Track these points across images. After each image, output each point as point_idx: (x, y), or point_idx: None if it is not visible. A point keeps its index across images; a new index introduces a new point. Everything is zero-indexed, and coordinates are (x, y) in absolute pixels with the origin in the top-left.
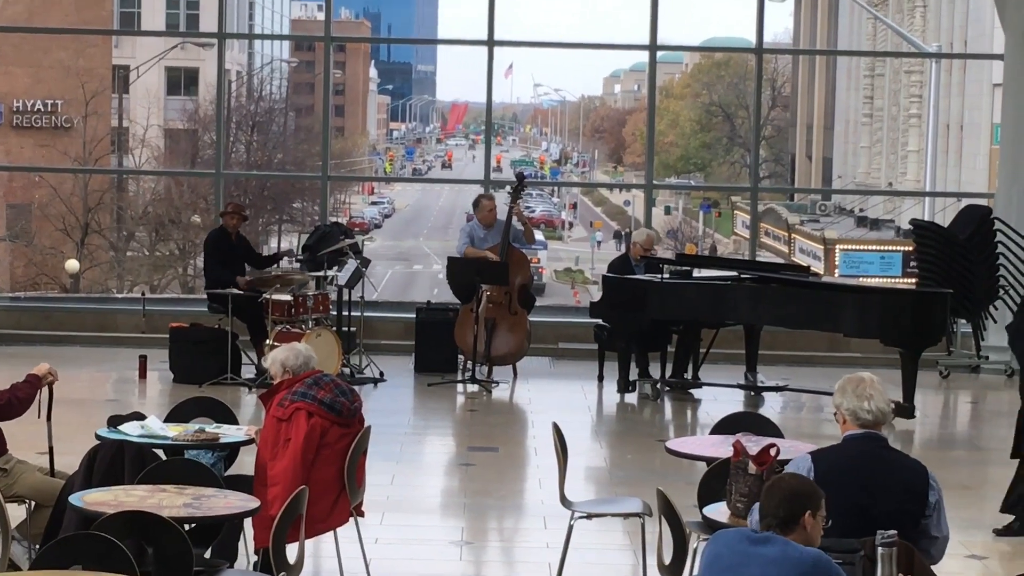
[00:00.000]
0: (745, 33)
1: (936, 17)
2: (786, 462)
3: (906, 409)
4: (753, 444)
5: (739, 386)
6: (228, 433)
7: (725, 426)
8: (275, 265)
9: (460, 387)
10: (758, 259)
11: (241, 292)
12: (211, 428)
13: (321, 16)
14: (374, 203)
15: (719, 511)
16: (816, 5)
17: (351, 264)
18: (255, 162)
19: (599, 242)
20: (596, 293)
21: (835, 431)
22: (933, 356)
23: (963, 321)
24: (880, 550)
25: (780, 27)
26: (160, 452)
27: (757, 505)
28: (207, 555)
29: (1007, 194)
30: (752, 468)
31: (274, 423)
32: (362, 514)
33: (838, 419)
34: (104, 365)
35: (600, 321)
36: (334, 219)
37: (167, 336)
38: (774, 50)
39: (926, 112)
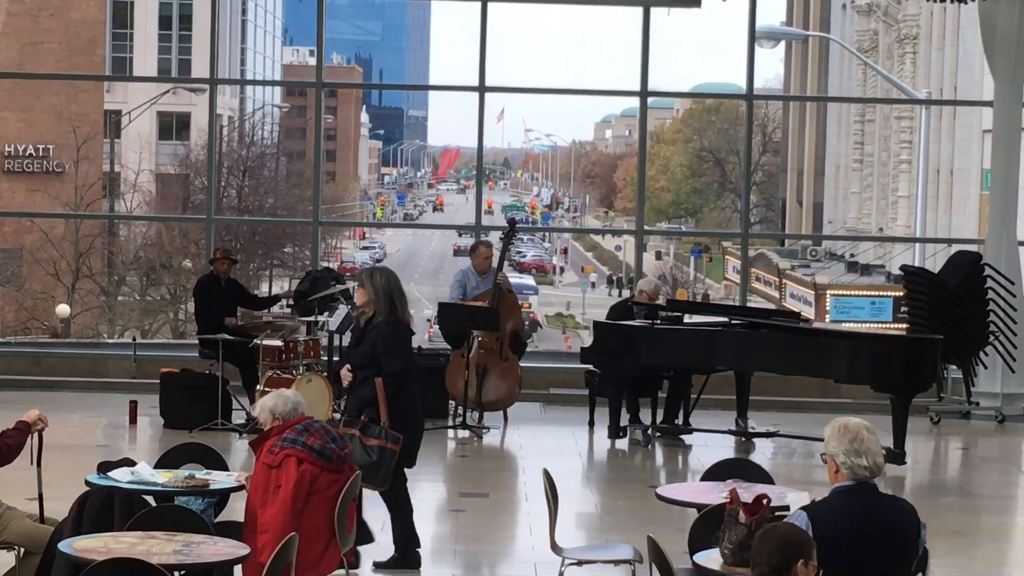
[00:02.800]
0: (736, 79)
1: (926, 64)
2: (776, 510)
3: (897, 455)
4: (745, 491)
5: (730, 432)
6: (218, 480)
7: (716, 472)
8: (274, 305)
9: (451, 433)
10: (749, 305)
11: (231, 335)
12: (201, 474)
13: (313, 61)
14: (365, 248)
15: (710, 558)
16: (806, 51)
17: (342, 309)
18: (246, 207)
19: (593, 284)
20: (588, 339)
21: (823, 477)
22: (924, 402)
23: (954, 367)
24: None
25: (771, 73)
26: (150, 499)
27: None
28: None
29: (997, 240)
30: (742, 516)
31: (264, 470)
32: (354, 562)
33: (828, 465)
34: (94, 411)
35: (591, 367)
36: (325, 264)
37: (158, 382)
38: (765, 96)
39: (916, 158)
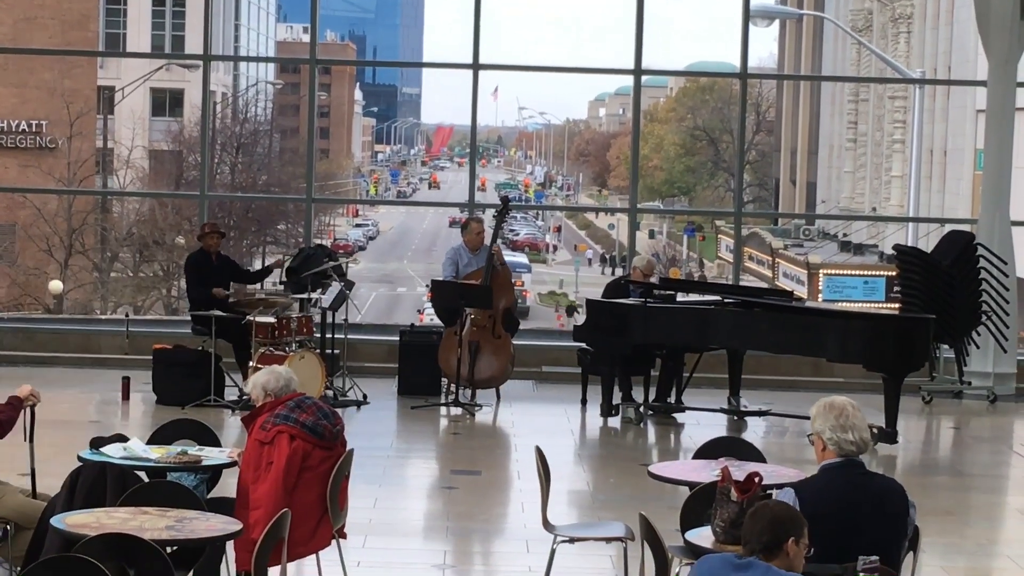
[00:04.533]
0: (730, 58)
1: (920, 43)
2: (768, 488)
3: (889, 434)
4: (736, 469)
5: (722, 410)
6: (211, 455)
7: (708, 451)
8: (267, 276)
9: (443, 410)
10: (742, 283)
11: (223, 311)
12: (194, 450)
13: (307, 38)
14: (358, 225)
15: (701, 536)
16: (800, 31)
17: (335, 286)
18: (240, 184)
19: (589, 260)
20: (581, 317)
21: (814, 455)
22: (916, 381)
23: (946, 347)
24: (862, 575)
25: (765, 52)
26: (142, 474)
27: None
28: None
29: (990, 220)
30: (734, 495)
31: (256, 446)
32: (344, 537)
33: (815, 444)
34: (87, 387)
35: (584, 345)
36: (318, 241)
37: (150, 358)
38: (758, 75)
39: (910, 138)
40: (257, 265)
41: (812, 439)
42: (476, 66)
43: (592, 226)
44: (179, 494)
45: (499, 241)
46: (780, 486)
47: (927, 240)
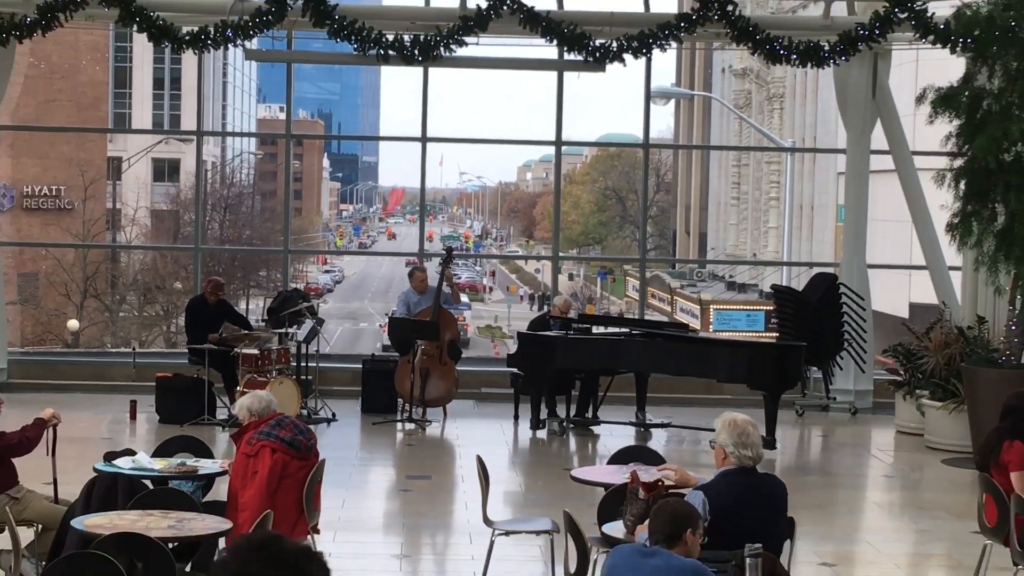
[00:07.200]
0: (634, 130)
1: (791, 118)
2: (670, 488)
3: (768, 442)
4: (643, 473)
5: (631, 423)
6: (205, 466)
7: (620, 457)
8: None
9: (399, 425)
10: (646, 318)
11: (215, 346)
12: (191, 462)
13: (283, 116)
14: (327, 271)
15: (615, 528)
16: (693, 108)
17: (308, 323)
18: (227, 237)
19: (520, 298)
20: (513, 346)
21: (708, 460)
22: (790, 397)
23: (815, 368)
24: (748, 560)
25: (663, 125)
26: (148, 482)
27: (646, 527)
28: (188, 569)
29: (849, 264)
30: (641, 494)
31: (243, 458)
32: (318, 532)
33: (716, 452)
34: (100, 409)
35: (516, 370)
36: (294, 285)
37: (154, 384)
38: (658, 145)
39: (783, 195)
40: (243, 305)
41: (714, 446)
42: (424, 139)
43: (521, 271)
44: (179, 499)
45: (448, 286)
46: (684, 488)
47: (798, 280)
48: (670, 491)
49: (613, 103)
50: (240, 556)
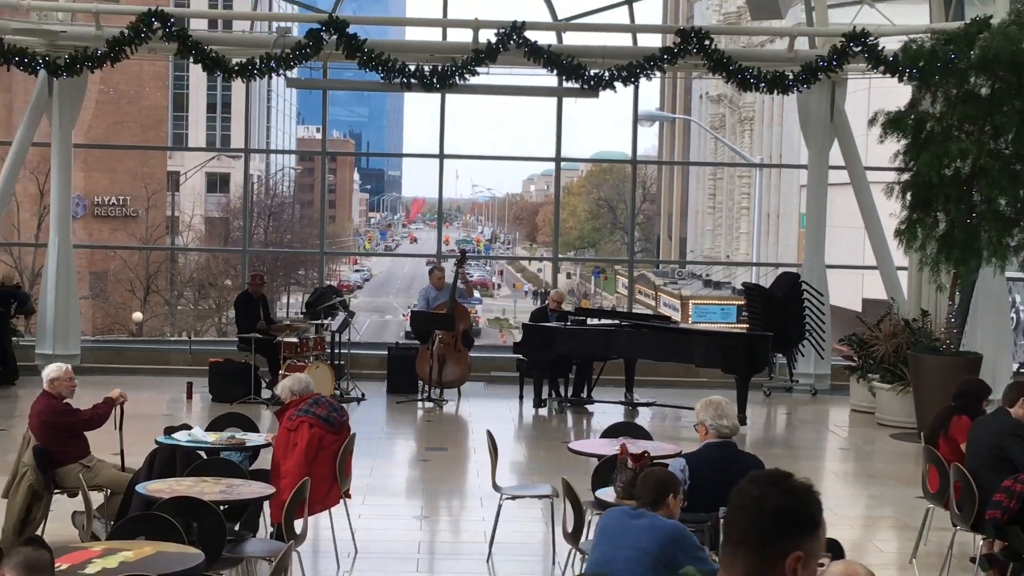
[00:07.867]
0: (624, 148)
1: (759, 137)
2: (655, 459)
3: (740, 419)
4: (631, 445)
5: (621, 403)
6: (252, 439)
7: (611, 432)
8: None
9: (420, 404)
10: (634, 311)
11: (260, 335)
12: (239, 435)
13: (319, 136)
14: (357, 271)
15: (608, 494)
16: (675, 129)
17: (341, 315)
18: (271, 241)
19: (525, 294)
20: (518, 336)
21: (690, 435)
22: (759, 380)
23: (780, 355)
24: (723, 521)
25: (649, 143)
26: (202, 453)
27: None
28: (236, 528)
29: (810, 264)
30: (630, 464)
31: (285, 432)
32: (350, 497)
33: (699, 430)
34: (160, 390)
35: (520, 356)
36: (328, 283)
37: (207, 368)
38: (645, 161)
39: (753, 205)
40: (284, 300)
41: (697, 427)
42: (442, 156)
43: (525, 270)
44: (229, 467)
45: (462, 283)
46: (668, 457)
47: (766, 278)
48: (654, 461)
49: (605, 124)
50: (761, 486)
